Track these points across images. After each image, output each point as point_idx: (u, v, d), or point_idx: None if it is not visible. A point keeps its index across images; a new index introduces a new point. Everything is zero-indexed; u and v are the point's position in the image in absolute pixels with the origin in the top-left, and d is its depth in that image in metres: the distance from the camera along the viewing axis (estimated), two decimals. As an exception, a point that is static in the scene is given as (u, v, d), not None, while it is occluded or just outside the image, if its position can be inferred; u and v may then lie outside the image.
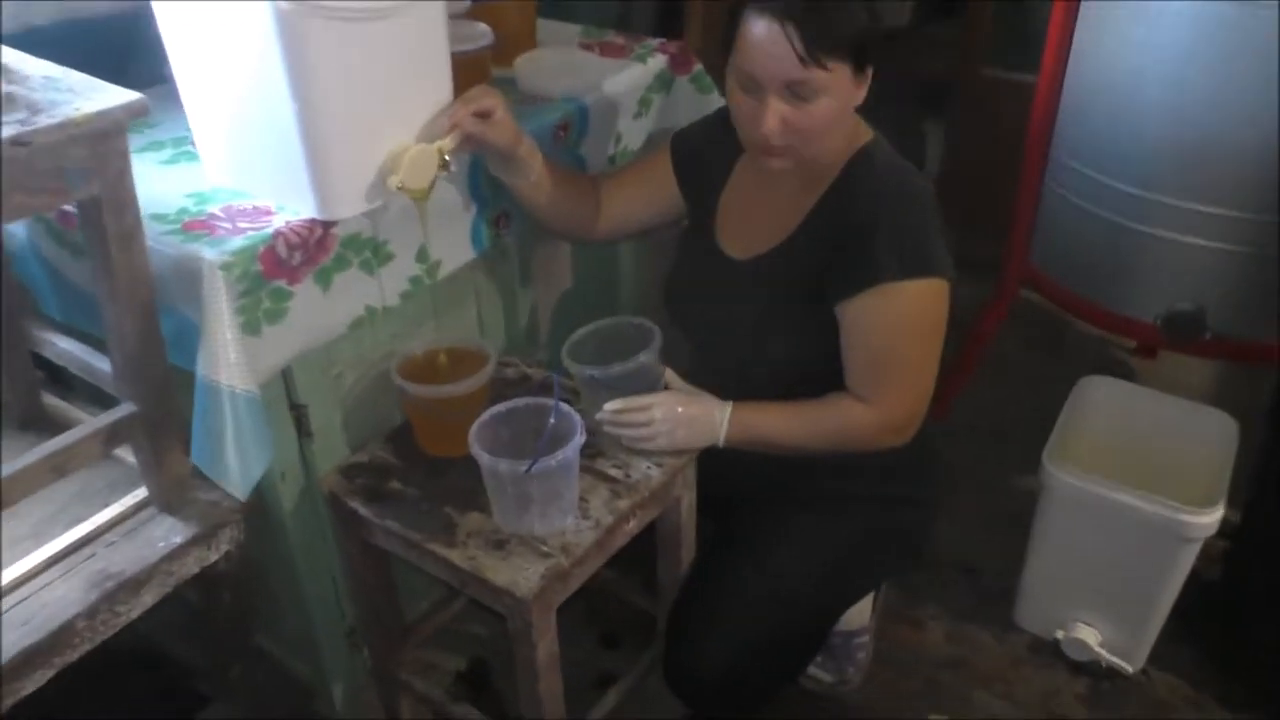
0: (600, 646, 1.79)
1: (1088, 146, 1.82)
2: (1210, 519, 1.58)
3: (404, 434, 1.45)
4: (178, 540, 1.28)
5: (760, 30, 1.19)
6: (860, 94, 1.26)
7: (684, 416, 1.36)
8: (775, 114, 1.24)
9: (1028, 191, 1.92)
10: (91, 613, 1.20)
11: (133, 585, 1.24)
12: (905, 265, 1.26)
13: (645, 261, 1.95)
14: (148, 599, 1.28)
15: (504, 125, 1.30)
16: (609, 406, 1.34)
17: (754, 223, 1.41)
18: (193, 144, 1.33)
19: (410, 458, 1.42)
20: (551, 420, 1.23)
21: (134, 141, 1.46)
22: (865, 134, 1.34)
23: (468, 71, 1.38)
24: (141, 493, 1.34)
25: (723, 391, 1.42)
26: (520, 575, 1.21)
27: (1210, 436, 1.76)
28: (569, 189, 1.46)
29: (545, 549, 1.25)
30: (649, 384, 1.39)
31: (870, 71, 1.24)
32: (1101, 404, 1.82)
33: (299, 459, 1.38)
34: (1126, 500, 1.63)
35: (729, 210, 1.45)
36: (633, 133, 1.73)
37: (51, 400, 1.51)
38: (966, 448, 2.20)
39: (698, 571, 1.50)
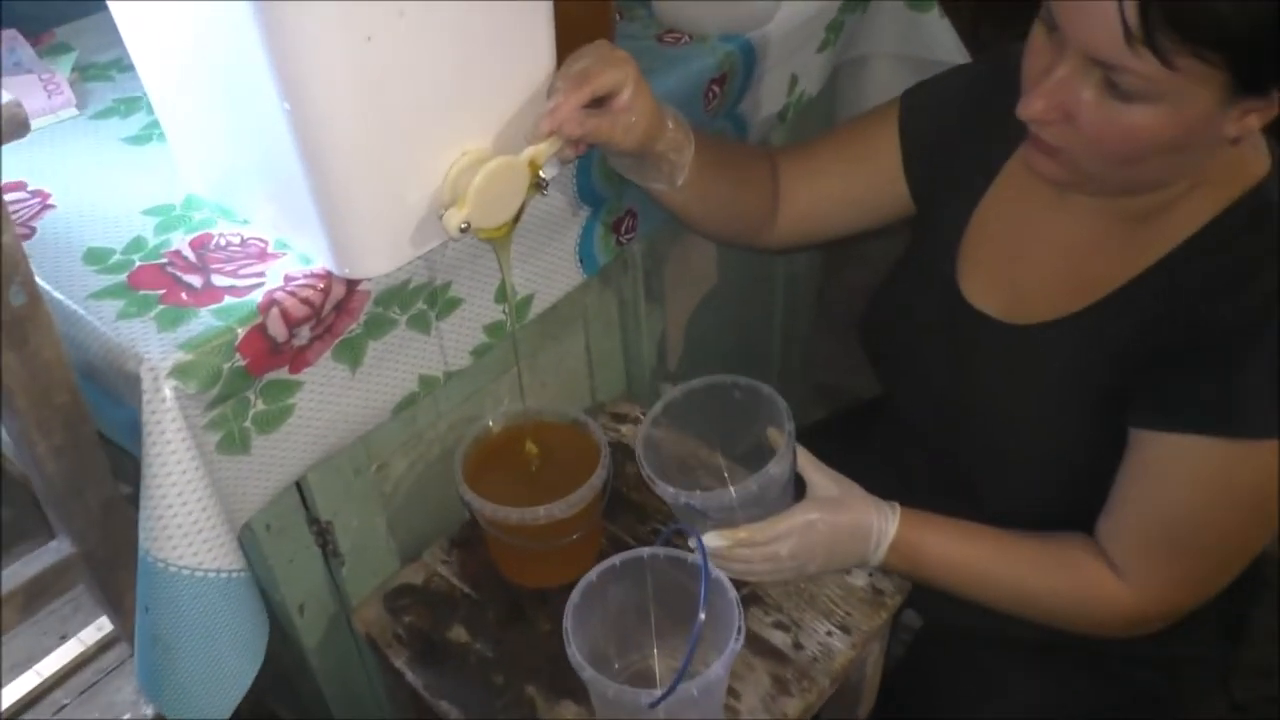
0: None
1: None
2: None
3: (477, 534, 1.02)
4: (149, 712, 0.90)
5: None
6: (1243, 126, 0.70)
7: (824, 539, 0.89)
8: (1056, 92, 0.72)
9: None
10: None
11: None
12: None
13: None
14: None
15: (636, 113, 0.80)
16: (711, 542, 0.88)
17: (1029, 267, 0.89)
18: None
19: (484, 581, 0.99)
20: (700, 617, 0.77)
21: (97, 96, 1.00)
22: (1259, 163, 0.79)
23: (580, 17, 0.85)
24: (105, 624, 0.96)
25: (921, 490, 0.95)
26: (637, 847, 0.79)
27: None
28: (734, 183, 0.95)
29: (676, 790, 0.82)
30: (773, 499, 0.92)
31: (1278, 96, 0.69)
32: None
33: (326, 585, 0.96)
34: None
35: (986, 233, 0.92)
36: (812, 70, 1.19)
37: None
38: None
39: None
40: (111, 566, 0.82)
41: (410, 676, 0.92)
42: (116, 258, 0.79)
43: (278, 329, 0.74)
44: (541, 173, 0.77)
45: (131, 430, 0.79)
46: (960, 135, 0.93)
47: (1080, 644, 0.94)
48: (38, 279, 0.75)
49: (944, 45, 1.27)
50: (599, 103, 0.79)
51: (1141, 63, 0.66)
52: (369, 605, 0.97)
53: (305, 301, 0.75)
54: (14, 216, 0.83)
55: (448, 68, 0.71)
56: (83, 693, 0.91)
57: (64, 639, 0.94)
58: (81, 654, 0.93)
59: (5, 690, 0.89)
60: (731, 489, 0.89)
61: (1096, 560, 0.86)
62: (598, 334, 1.13)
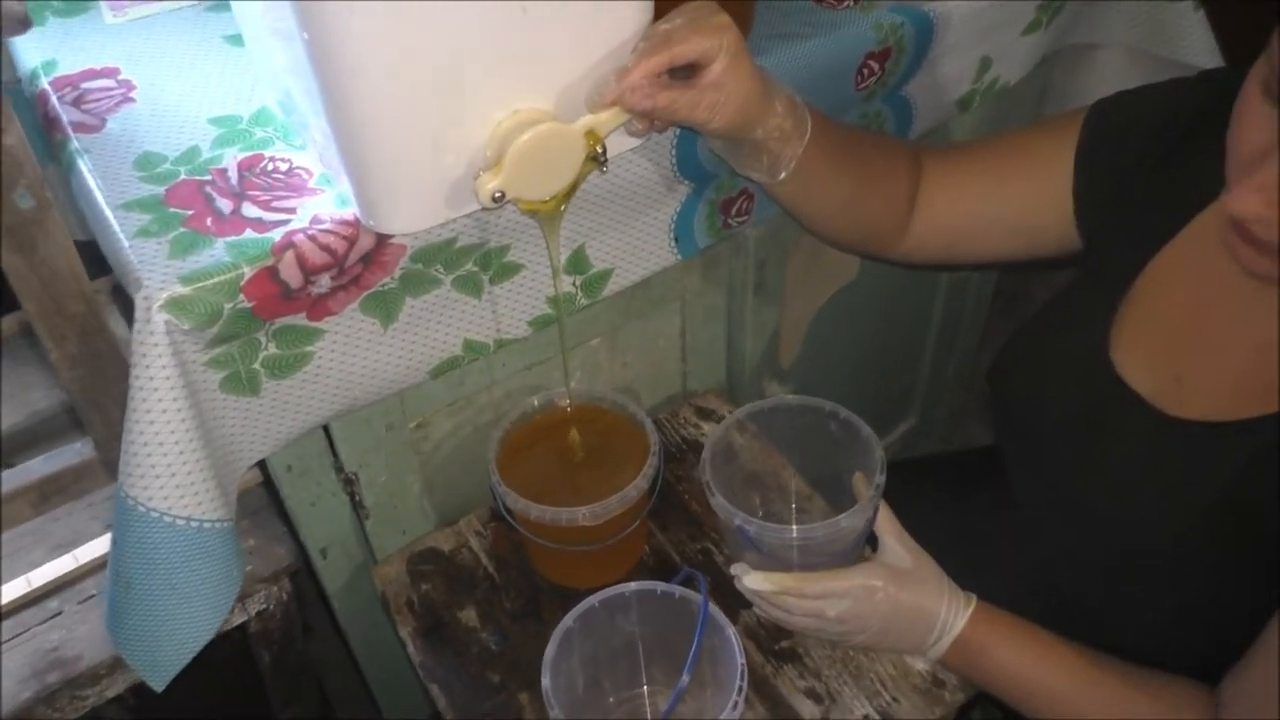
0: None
1: None
2: None
3: (519, 512, 0.95)
4: (162, 620, 0.90)
5: None
6: None
7: (881, 612, 0.76)
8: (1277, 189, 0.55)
9: None
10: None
11: (88, 678, 0.87)
12: None
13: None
14: (124, 680, 0.92)
15: (727, 91, 0.67)
16: (753, 584, 0.77)
17: (1199, 350, 0.71)
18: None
19: (509, 563, 0.92)
20: (683, 680, 0.67)
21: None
22: None
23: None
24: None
25: (1012, 579, 0.81)
26: None
27: None
28: (856, 184, 0.81)
29: None
30: (839, 551, 0.80)
31: None
32: None
33: (354, 532, 0.93)
34: None
35: (1156, 296, 0.74)
36: (1013, 54, 1.01)
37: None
38: None
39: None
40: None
41: (411, 649, 0.87)
42: (165, 167, 0.75)
43: (291, 274, 0.68)
44: (602, 147, 0.67)
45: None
46: (1151, 169, 0.75)
47: None
48: (89, 176, 0.74)
49: (1193, 44, 1.04)
50: (688, 72, 0.67)
51: None
52: (392, 562, 0.92)
53: (326, 249, 0.69)
54: (93, 107, 0.81)
55: (508, 10, 0.61)
56: (82, 601, 0.91)
57: (110, 527, 0.95)
58: (89, 563, 0.93)
59: (40, 570, 0.91)
60: (794, 528, 0.78)
61: (1209, 715, 0.70)
62: (696, 320, 1.01)
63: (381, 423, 0.86)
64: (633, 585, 0.75)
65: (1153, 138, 0.74)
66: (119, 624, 0.72)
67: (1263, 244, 0.59)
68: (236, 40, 0.88)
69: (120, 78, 0.84)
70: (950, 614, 0.77)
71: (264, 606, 0.97)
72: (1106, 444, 0.76)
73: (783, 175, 0.75)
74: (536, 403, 0.88)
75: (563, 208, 0.70)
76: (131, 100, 0.81)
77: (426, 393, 0.87)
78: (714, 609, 0.73)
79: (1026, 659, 0.76)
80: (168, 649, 0.72)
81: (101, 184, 0.73)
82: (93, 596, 0.92)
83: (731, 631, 0.72)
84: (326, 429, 0.84)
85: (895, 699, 0.81)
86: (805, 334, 1.12)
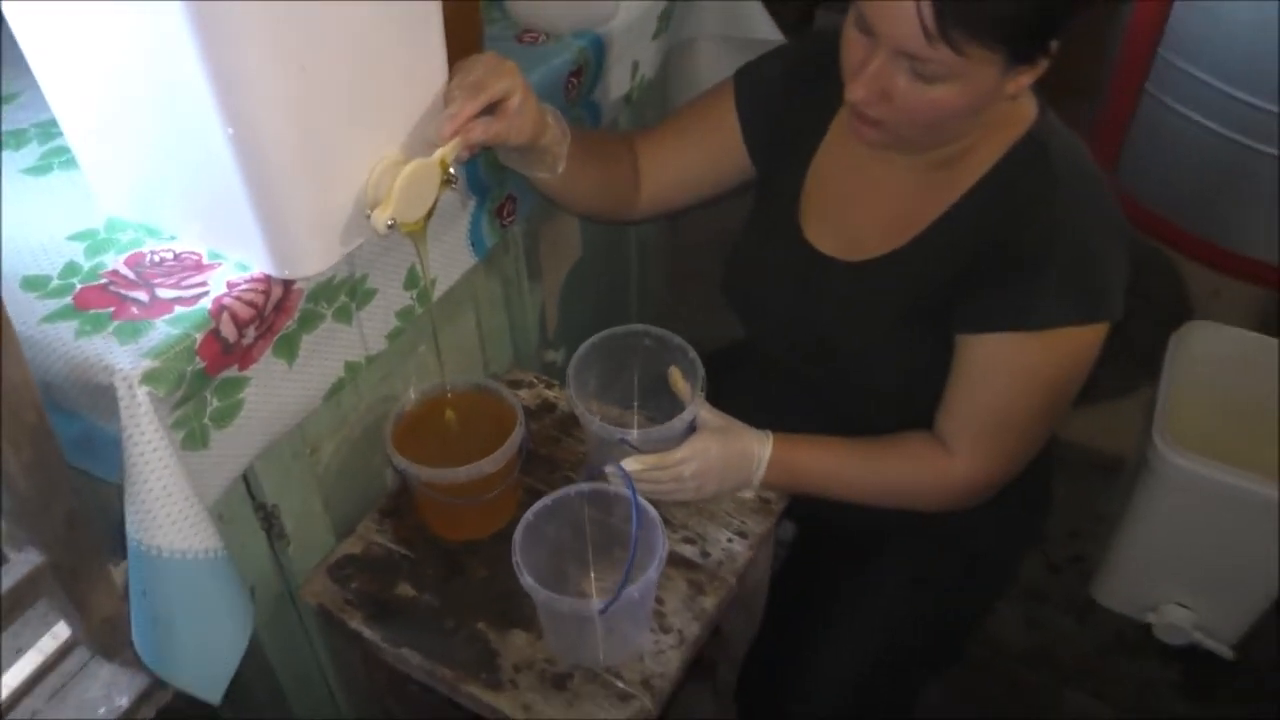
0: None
1: (1205, 45, 1.47)
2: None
3: (403, 503, 1.12)
4: (124, 702, 0.96)
5: None
6: (1018, 86, 0.89)
7: (717, 463, 1.06)
8: (874, 81, 0.89)
9: (1123, 96, 1.58)
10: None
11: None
12: (1076, 307, 0.94)
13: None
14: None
15: (523, 115, 0.92)
16: (628, 466, 1.03)
17: (859, 212, 1.06)
18: (70, 148, 0.91)
19: (418, 542, 1.09)
20: (634, 530, 0.92)
21: (-22, 130, 1.05)
22: (1028, 110, 0.98)
23: (450, 21, 0.95)
24: (64, 631, 1.00)
25: (789, 416, 1.12)
26: (599, 735, 0.93)
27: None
28: (602, 166, 1.09)
29: (621, 685, 0.96)
30: (681, 434, 1.08)
31: (1044, 63, 0.88)
32: (1210, 357, 1.56)
33: (272, 567, 1.04)
34: (1250, 487, 1.40)
35: (821, 187, 1.09)
36: (649, 56, 1.33)
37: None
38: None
39: (779, 623, 1.23)
40: (75, 575, 0.89)
41: (368, 634, 1.01)
42: (55, 283, 0.84)
43: (229, 331, 0.82)
44: (451, 169, 0.88)
45: (79, 445, 0.86)
46: (789, 104, 1.10)
47: (928, 526, 1.13)
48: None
49: (761, 26, 1.44)
50: (491, 108, 0.90)
51: (939, 54, 0.83)
52: (315, 579, 1.06)
53: (250, 304, 0.84)
54: (-64, 255, 0.87)
55: (362, 85, 0.81)
56: (54, 695, 0.96)
57: (20, 653, 0.98)
58: (44, 663, 0.97)
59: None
60: (661, 427, 1.05)
61: (932, 447, 1.06)
62: (486, 312, 1.24)
63: (289, 454, 0.99)
64: (551, 495, 0.97)
65: (784, 82, 1.09)
66: (166, 661, 0.82)
67: (874, 121, 0.93)
68: (36, 171, 0.97)
69: (-57, 226, 0.90)
70: (760, 448, 1.07)
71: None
72: (818, 296, 1.10)
73: (560, 169, 1.00)
74: (412, 398, 1.06)
75: (427, 224, 0.90)
76: (-33, 242, 0.88)
77: (316, 420, 1.01)
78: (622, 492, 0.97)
79: (819, 456, 1.08)
80: (216, 666, 0.83)
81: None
82: (38, 711, 0.96)
83: (644, 501, 0.96)
84: (244, 472, 0.96)
85: (743, 521, 1.10)
86: (558, 306, 1.38)
